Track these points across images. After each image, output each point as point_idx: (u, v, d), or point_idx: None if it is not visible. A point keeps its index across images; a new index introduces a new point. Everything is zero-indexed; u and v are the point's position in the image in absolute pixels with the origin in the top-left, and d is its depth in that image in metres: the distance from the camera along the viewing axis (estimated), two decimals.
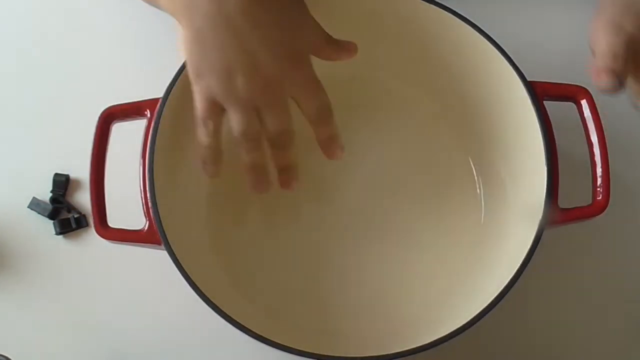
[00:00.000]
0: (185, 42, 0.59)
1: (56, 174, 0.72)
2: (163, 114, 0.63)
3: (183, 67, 0.64)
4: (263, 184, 0.63)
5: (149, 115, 0.63)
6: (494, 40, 0.65)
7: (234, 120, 0.59)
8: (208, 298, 0.58)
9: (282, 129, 0.60)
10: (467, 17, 0.66)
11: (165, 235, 0.60)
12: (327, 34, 0.63)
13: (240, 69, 0.58)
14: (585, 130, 0.64)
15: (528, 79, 0.64)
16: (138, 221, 0.61)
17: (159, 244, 0.60)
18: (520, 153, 0.67)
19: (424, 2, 0.66)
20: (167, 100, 0.63)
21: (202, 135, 0.60)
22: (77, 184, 0.72)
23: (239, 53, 0.58)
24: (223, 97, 0.59)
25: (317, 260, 0.69)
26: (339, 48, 0.64)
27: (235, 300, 0.65)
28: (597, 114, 0.63)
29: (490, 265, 0.66)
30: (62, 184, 0.71)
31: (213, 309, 0.58)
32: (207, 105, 0.59)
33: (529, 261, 0.60)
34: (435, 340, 0.58)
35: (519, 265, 0.60)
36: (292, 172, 0.64)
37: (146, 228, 0.61)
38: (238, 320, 0.58)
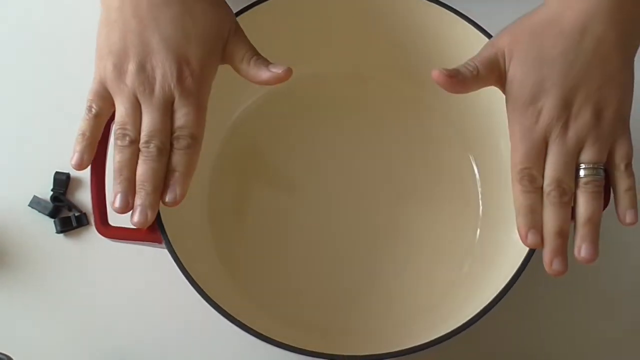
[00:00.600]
0: (99, 23, 0.59)
1: (57, 172, 0.72)
2: None
3: None
4: (122, 201, 0.57)
5: None
6: None
7: (116, 111, 0.58)
8: (209, 296, 0.58)
9: (151, 130, 0.56)
10: (468, 15, 0.66)
11: (165, 233, 0.60)
12: (253, 49, 0.60)
13: (133, 57, 0.57)
14: None
15: None
16: None
17: (160, 242, 0.60)
18: None
19: (425, 0, 0.66)
20: None
21: (82, 119, 0.58)
22: (78, 182, 0.72)
23: (137, 41, 0.57)
24: (111, 82, 0.58)
25: (317, 260, 0.69)
26: (260, 68, 0.60)
27: (236, 298, 0.65)
28: None
29: (490, 265, 0.66)
30: (63, 182, 0.71)
31: (214, 307, 0.58)
32: (97, 88, 0.58)
33: (528, 261, 0.60)
34: (435, 340, 0.58)
35: (518, 265, 0.59)
36: (167, 187, 0.57)
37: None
38: (239, 319, 0.57)
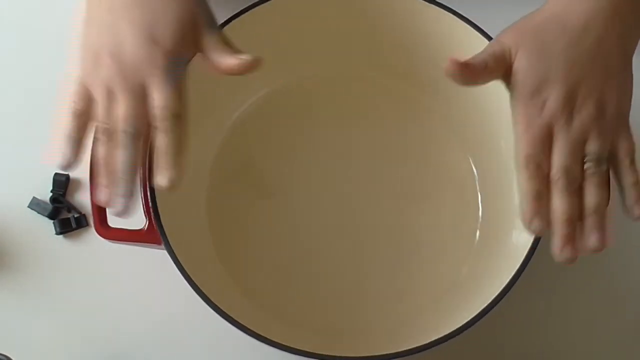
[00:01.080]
0: (81, 24, 0.59)
1: (56, 174, 0.72)
2: None
3: None
4: (108, 191, 0.56)
5: None
6: None
7: (96, 107, 0.58)
8: (208, 298, 0.58)
9: (125, 117, 0.56)
10: (467, 17, 0.66)
11: (165, 235, 0.60)
12: (224, 38, 0.59)
13: (106, 50, 0.57)
14: None
15: None
16: (138, 221, 0.61)
17: (159, 243, 0.60)
18: None
19: (423, 1, 0.66)
20: None
21: (66, 119, 0.58)
22: (78, 183, 0.72)
23: (110, 34, 0.57)
24: (89, 79, 0.58)
25: (317, 260, 0.69)
26: (227, 55, 0.59)
27: (235, 299, 0.65)
28: None
29: (490, 265, 0.66)
30: (63, 184, 0.71)
31: (213, 308, 0.58)
32: (77, 87, 0.58)
33: (529, 261, 0.60)
34: (435, 340, 0.58)
35: (519, 265, 0.60)
36: (159, 170, 0.56)
37: (146, 228, 0.61)
38: (238, 320, 0.58)
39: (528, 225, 0.55)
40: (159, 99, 0.57)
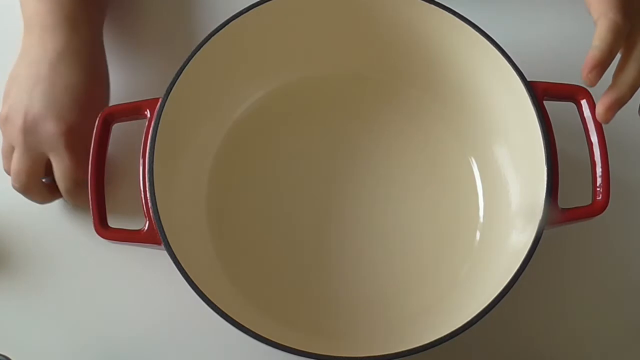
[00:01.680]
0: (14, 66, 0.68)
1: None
2: (163, 114, 0.63)
3: (183, 67, 0.64)
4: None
5: (149, 115, 0.63)
6: (494, 40, 0.65)
7: None
8: (208, 298, 0.58)
9: (17, 171, 0.65)
10: (467, 17, 0.66)
11: (165, 235, 0.60)
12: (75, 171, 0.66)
13: (18, 109, 0.65)
14: (585, 130, 0.64)
15: (528, 79, 0.64)
16: (138, 221, 0.61)
17: (159, 244, 0.60)
18: (520, 153, 0.67)
19: (424, 2, 0.66)
20: (167, 100, 0.63)
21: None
22: None
23: (24, 96, 0.65)
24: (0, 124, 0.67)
25: (317, 260, 0.69)
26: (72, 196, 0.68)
27: (235, 300, 0.65)
28: None
29: (490, 265, 0.66)
30: None
31: (213, 309, 0.58)
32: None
33: (529, 261, 0.60)
34: (435, 340, 0.58)
35: (519, 265, 0.59)
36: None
37: (146, 228, 0.61)
38: (238, 321, 0.57)
39: (586, 74, 0.57)
40: (59, 169, 0.65)
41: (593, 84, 0.58)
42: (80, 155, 0.65)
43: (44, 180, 0.67)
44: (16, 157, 0.65)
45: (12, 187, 0.67)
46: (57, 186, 0.67)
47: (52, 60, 0.66)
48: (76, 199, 0.67)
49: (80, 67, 0.66)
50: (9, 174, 0.68)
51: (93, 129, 0.63)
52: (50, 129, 0.64)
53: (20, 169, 0.65)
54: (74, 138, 0.65)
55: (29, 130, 0.64)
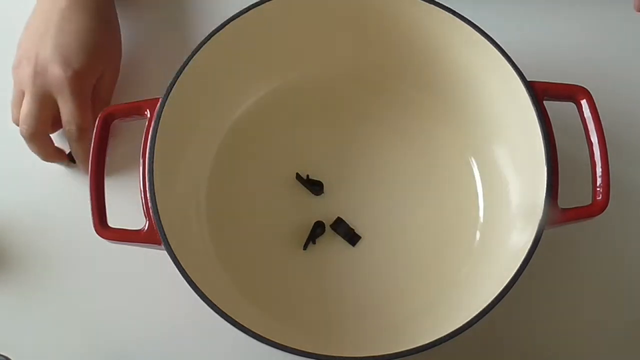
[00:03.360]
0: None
1: None
2: (163, 114, 0.63)
3: (183, 67, 0.64)
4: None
5: (149, 115, 0.63)
6: (494, 40, 0.65)
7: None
8: (208, 298, 0.58)
9: (25, 114, 0.67)
10: (468, 18, 0.66)
11: (165, 235, 0.60)
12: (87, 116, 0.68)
13: (30, 57, 0.67)
14: (585, 130, 0.64)
15: (528, 79, 0.64)
16: (138, 221, 0.61)
17: (159, 244, 0.60)
18: (520, 153, 0.67)
19: (424, 2, 0.66)
20: (167, 100, 0.63)
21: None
22: (77, 183, 0.72)
23: (36, 43, 0.67)
24: (13, 74, 0.69)
25: (318, 260, 0.69)
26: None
27: (235, 300, 0.65)
28: (597, 114, 0.63)
29: (490, 265, 0.66)
30: None
31: (213, 308, 0.58)
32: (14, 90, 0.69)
33: (529, 261, 0.60)
34: (435, 340, 0.58)
35: (519, 265, 0.59)
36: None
37: (146, 228, 0.61)
38: (238, 320, 0.57)
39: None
40: (65, 114, 0.67)
41: None
42: (85, 101, 0.67)
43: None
44: (26, 101, 0.67)
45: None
46: (66, 155, 0.71)
47: (62, 8, 0.68)
48: (78, 145, 0.68)
49: (89, 14, 0.68)
50: (17, 124, 0.69)
51: (100, 74, 0.67)
52: (58, 72, 0.66)
53: (29, 112, 0.66)
54: (80, 83, 0.67)
55: (39, 74, 0.66)
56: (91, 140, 0.63)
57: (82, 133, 0.67)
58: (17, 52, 0.69)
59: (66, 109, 0.67)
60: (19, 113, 0.68)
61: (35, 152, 0.69)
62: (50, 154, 0.70)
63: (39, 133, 0.67)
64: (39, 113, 0.67)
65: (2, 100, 0.74)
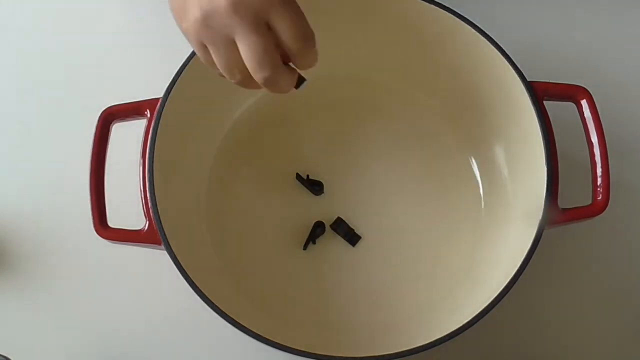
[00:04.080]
0: None
1: None
2: (163, 114, 0.63)
3: (183, 67, 0.64)
4: (277, 87, 0.56)
5: (149, 115, 0.63)
6: (494, 40, 0.65)
7: (215, 58, 0.56)
8: (208, 298, 0.58)
9: (251, 57, 0.53)
10: (467, 17, 0.66)
11: (165, 235, 0.60)
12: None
13: (189, 7, 0.54)
14: (585, 130, 0.64)
15: (528, 79, 0.64)
16: (138, 221, 0.61)
17: (159, 244, 0.60)
18: (520, 153, 0.67)
19: (424, 2, 0.66)
20: (167, 100, 0.63)
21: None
22: (77, 183, 0.72)
23: None
24: (201, 33, 0.55)
25: (318, 260, 0.69)
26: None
27: (234, 300, 0.65)
28: (597, 114, 0.63)
29: (490, 265, 0.66)
30: None
31: (213, 308, 0.58)
32: (197, 49, 0.56)
33: (529, 261, 0.60)
34: (435, 340, 0.58)
35: (519, 265, 0.60)
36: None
37: (146, 228, 0.61)
38: (238, 320, 0.58)
39: None
40: (285, 31, 0.54)
41: None
42: (297, 5, 0.55)
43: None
44: (240, 42, 0.54)
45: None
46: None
47: None
48: (310, 55, 0.56)
49: None
50: (237, 81, 0.56)
51: None
52: None
53: (255, 49, 0.53)
54: None
55: (236, 3, 0.53)
56: (316, 46, 0.54)
57: (311, 41, 0.55)
58: (178, 19, 0.56)
59: (284, 25, 0.53)
60: (226, 68, 0.55)
61: (278, 91, 0.56)
62: (294, 76, 0.57)
63: (277, 62, 0.54)
64: (263, 40, 0.53)
65: (2, 99, 0.75)
